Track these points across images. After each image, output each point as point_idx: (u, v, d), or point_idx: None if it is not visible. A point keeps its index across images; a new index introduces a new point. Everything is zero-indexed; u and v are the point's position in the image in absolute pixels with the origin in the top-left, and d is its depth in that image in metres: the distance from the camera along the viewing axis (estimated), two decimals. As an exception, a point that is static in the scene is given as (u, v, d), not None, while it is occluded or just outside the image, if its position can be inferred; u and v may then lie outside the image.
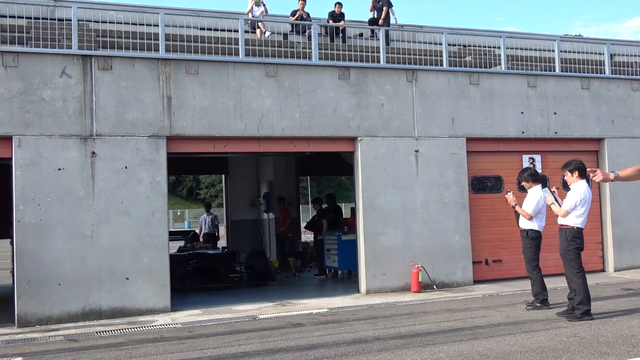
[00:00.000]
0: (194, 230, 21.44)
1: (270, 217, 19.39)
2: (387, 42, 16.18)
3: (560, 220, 9.51)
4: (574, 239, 9.40)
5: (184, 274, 14.37)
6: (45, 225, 10.68)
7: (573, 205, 9.36)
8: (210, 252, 16.55)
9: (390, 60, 14.04)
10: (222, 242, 21.19)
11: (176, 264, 13.70)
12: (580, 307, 9.25)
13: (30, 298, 10.54)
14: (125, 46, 12.61)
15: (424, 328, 9.18)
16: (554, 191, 9.76)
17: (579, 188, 9.45)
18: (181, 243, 20.35)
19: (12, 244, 11.26)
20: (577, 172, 9.52)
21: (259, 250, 17.22)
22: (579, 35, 24.92)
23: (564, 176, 9.99)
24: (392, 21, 17.43)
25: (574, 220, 9.39)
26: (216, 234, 20.48)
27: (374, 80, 13.04)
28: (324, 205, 17.37)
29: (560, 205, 9.52)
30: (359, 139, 12.83)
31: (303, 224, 20.40)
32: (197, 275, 14.97)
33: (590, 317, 9.20)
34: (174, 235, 21.32)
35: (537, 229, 10.45)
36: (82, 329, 10.16)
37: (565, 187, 14.48)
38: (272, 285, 14.72)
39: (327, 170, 24.16)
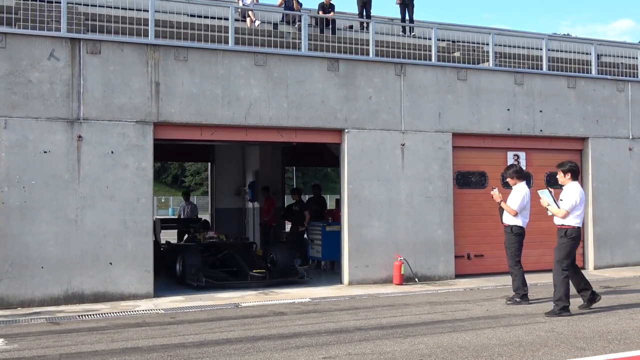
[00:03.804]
0: (205, 219, 18.80)
1: (255, 207, 19.42)
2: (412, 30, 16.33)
3: (560, 221, 9.61)
4: (576, 238, 9.57)
5: (199, 268, 12.57)
6: (29, 207, 10.65)
7: (573, 205, 9.51)
8: (229, 242, 14.75)
9: (379, 53, 14.08)
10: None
11: (189, 256, 12.86)
12: (559, 303, 9.39)
13: (13, 280, 10.52)
14: (115, 30, 12.55)
15: (404, 320, 9.27)
16: (550, 191, 9.85)
17: (574, 188, 9.62)
18: (175, 232, 18.93)
19: None
20: (569, 174, 9.70)
21: (281, 241, 16.24)
22: (568, 34, 25.06)
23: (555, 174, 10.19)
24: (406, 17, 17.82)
25: (574, 220, 9.55)
26: None
27: (363, 72, 13.09)
28: (305, 197, 17.43)
29: (558, 207, 9.61)
30: (346, 130, 12.88)
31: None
32: (212, 269, 13.13)
33: (569, 313, 9.34)
34: (169, 224, 19.66)
35: (521, 225, 10.57)
36: (64, 312, 10.16)
37: (550, 184, 14.69)
38: (301, 282, 12.92)
39: (314, 162, 24.20)
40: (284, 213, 18.09)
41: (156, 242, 15.82)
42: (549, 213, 9.83)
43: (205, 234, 14.75)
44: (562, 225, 9.60)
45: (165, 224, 18.53)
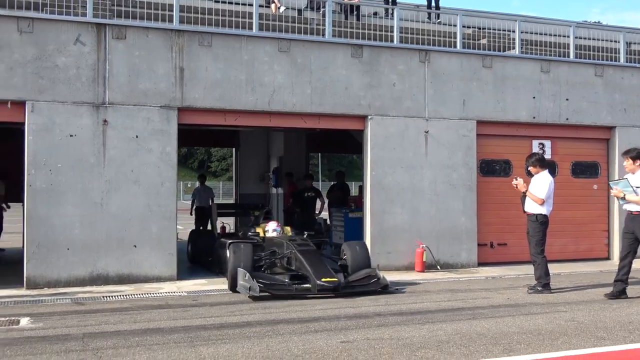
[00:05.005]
0: (267, 207, 15.69)
1: (278, 192, 19.51)
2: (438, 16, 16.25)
3: (633, 207, 9.62)
4: None
5: (253, 272, 10.10)
6: (55, 190, 10.83)
7: None
8: (296, 238, 11.37)
9: (403, 40, 14.00)
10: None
11: (243, 255, 10.31)
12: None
13: (40, 261, 10.72)
14: (140, 16, 12.64)
15: (424, 306, 9.29)
16: (627, 179, 9.75)
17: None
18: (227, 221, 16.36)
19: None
20: (639, 161, 9.71)
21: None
22: (598, 22, 24.65)
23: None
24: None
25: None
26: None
27: (387, 59, 13.05)
28: (321, 183, 17.10)
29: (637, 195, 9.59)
30: (369, 117, 12.88)
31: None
32: (273, 268, 10.79)
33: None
34: (228, 209, 17.80)
35: (545, 213, 10.52)
36: (89, 293, 10.34)
37: (576, 174, 14.56)
38: (386, 294, 10.25)
39: (339, 148, 24.19)
40: (294, 200, 17.14)
41: (210, 230, 14.86)
42: (621, 202, 9.79)
43: (266, 226, 12.20)
44: (635, 212, 9.61)
45: (222, 209, 16.78)
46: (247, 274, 9.77)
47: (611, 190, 9.89)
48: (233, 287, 10.15)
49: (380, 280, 10.39)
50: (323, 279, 9.89)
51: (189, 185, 51.00)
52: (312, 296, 9.75)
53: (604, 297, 9.85)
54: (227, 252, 10.62)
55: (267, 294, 9.67)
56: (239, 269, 10.02)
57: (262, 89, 12.10)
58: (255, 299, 9.56)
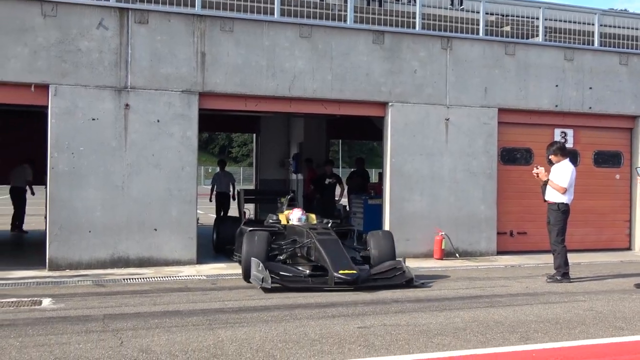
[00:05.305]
0: (292, 191, 14.96)
1: (298, 178, 19.55)
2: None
3: None
4: None
5: (268, 262, 9.61)
6: (78, 173, 10.95)
7: None
8: (318, 226, 10.69)
9: (425, 26, 13.90)
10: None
11: (257, 244, 9.80)
12: None
13: (62, 243, 10.86)
14: (162, 1, 12.66)
15: (442, 294, 9.29)
16: None
17: None
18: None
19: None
20: None
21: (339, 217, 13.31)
22: (625, 10, 24.29)
23: None
24: None
25: None
26: (231, 194, 18.23)
27: (408, 46, 12.99)
28: (340, 170, 17.02)
29: None
30: (389, 104, 12.84)
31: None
32: (294, 257, 10.27)
33: None
34: (255, 195, 17.18)
35: (567, 202, 10.47)
36: (109, 275, 10.47)
37: (598, 163, 14.43)
38: (411, 287, 9.60)
39: (359, 135, 24.13)
40: (315, 186, 17.06)
41: (237, 217, 14.15)
42: None
43: (290, 213, 11.34)
44: None
45: (249, 195, 16.05)
46: (261, 264, 9.24)
47: (638, 178, 9.75)
48: (247, 277, 9.65)
49: (406, 274, 9.75)
50: (341, 271, 9.27)
51: (209, 171, 51.28)
52: (330, 289, 9.25)
53: (634, 287, 9.80)
54: (240, 240, 10.32)
55: (278, 285, 9.16)
56: (252, 258, 9.46)
57: (282, 75, 12.11)
58: (266, 290, 9.06)
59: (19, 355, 5.89)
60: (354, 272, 9.39)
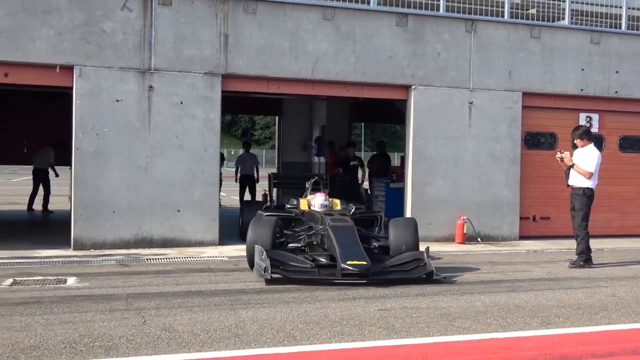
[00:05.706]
0: (316, 177, 12.84)
1: (320, 161, 19.56)
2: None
3: None
4: None
5: (273, 250, 8.94)
6: (102, 154, 11.06)
7: None
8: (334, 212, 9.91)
9: (449, 9, 13.76)
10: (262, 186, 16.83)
11: (263, 230, 9.12)
12: None
13: (86, 223, 11.00)
14: (186, -18, 12.69)
15: (463, 278, 9.27)
16: None
17: None
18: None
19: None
20: None
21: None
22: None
23: None
24: None
25: None
26: (255, 176, 18.02)
27: (432, 28, 12.89)
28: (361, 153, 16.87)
29: None
30: (412, 87, 12.78)
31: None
32: (311, 246, 9.68)
33: None
34: (284, 179, 16.66)
35: (592, 187, 10.39)
36: (133, 255, 10.60)
37: (624, 148, 14.28)
38: (430, 283, 8.73)
39: (382, 118, 24.05)
40: (343, 169, 16.63)
41: (263, 201, 13.86)
42: None
43: (312, 198, 10.51)
44: None
45: (276, 179, 15.23)
46: (264, 253, 8.51)
47: None
48: (251, 265, 8.95)
49: (427, 266, 8.88)
50: (349, 262, 8.43)
51: (232, 153, 51.50)
52: (339, 282, 8.45)
53: None
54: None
55: (279, 276, 8.41)
56: (256, 245, 8.72)
57: (305, 57, 12.09)
58: (268, 281, 8.38)
59: (45, 332, 6.00)
60: (364, 263, 8.49)
